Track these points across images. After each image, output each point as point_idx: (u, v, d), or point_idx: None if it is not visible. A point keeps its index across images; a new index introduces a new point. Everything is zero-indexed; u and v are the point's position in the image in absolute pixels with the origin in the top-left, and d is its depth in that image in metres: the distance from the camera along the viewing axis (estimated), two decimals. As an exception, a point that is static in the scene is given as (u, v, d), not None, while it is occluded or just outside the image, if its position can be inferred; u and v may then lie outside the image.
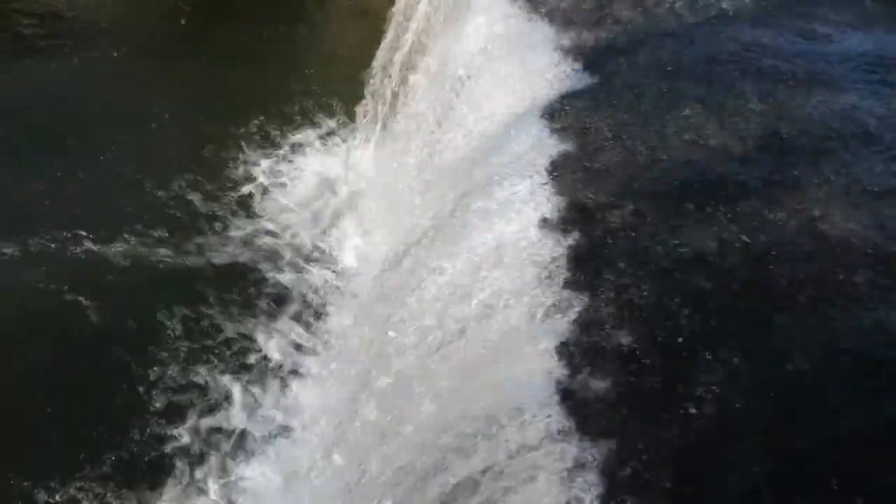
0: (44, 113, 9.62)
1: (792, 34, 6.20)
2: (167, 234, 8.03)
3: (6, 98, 9.91)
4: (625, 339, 3.40)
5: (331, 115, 10.25)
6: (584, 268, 3.75)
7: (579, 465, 3.03)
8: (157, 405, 6.25)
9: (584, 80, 5.33)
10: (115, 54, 11.42)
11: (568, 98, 5.10)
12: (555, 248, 3.85)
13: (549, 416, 3.20)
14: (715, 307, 3.53)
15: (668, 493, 2.82)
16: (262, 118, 10.12)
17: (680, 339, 3.37)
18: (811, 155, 4.53)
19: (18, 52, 11.10)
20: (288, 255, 8.19)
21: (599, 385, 3.27)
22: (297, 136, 9.91)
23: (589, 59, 5.56)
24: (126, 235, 8.01)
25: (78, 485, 5.67)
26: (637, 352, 3.32)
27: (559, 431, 3.14)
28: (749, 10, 6.63)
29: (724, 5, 6.66)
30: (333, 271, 8.05)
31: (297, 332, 7.29)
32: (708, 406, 3.12)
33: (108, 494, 5.64)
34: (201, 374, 6.67)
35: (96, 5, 12.53)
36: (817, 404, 3.12)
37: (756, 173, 4.37)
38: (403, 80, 8.89)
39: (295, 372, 6.84)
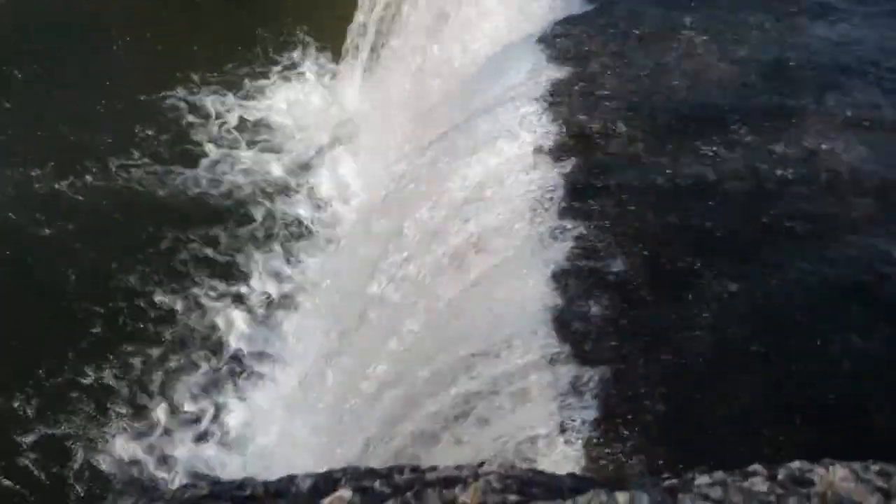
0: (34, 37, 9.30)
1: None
2: (150, 164, 7.88)
3: None
4: (621, 266, 3.38)
5: (317, 45, 9.95)
6: (581, 195, 3.70)
7: (572, 390, 3.04)
8: (142, 329, 6.25)
9: (582, 7, 5.17)
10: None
11: (565, 25, 4.94)
12: (551, 176, 3.78)
13: (543, 341, 3.20)
14: (712, 236, 3.51)
15: (660, 416, 2.85)
16: (247, 51, 9.80)
17: (676, 268, 3.36)
18: (813, 85, 4.46)
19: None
20: (274, 185, 8.08)
21: (594, 312, 3.26)
22: (283, 69, 9.63)
23: (589, -16, 5.39)
24: (109, 165, 7.85)
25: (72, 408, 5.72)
26: (633, 280, 3.31)
27: (553, 357, 3.14)
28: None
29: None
30: (320, 203, 7.97)
31: (283, 263, 7.25)
32: (702, 333, 3.13)
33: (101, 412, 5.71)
34: (186, 302, 6.63)
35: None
36: (810, 332, 3.14)
37: (757, 103, 4.30)
38: (393, 8, 8.62)
39: (283, 301, 6.83)
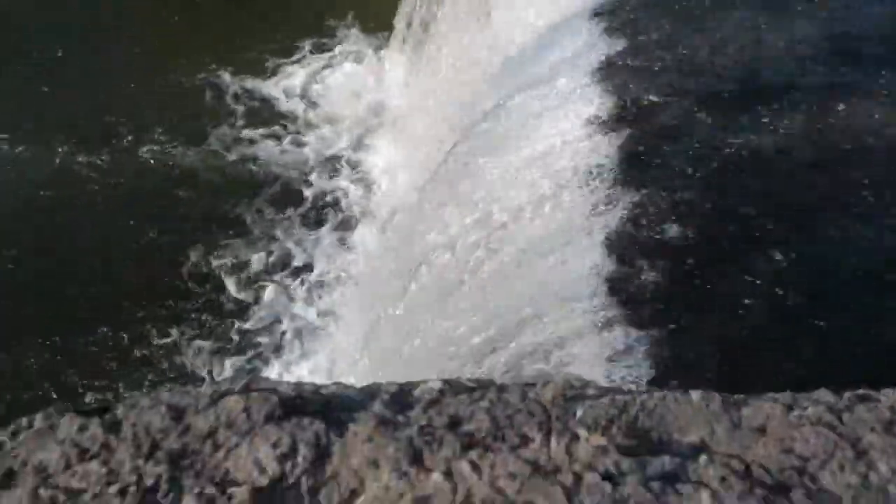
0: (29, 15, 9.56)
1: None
2: (199, 138, 8.09)
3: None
4: (674, 234, 3.41)
5: (364, 24, 10.05)
6: (634, 165, 3.73)
7: (624, 352, 3.09)
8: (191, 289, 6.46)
9: (637, -20, 5.15)
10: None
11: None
12: (604, 146, 3.82)
13: (596, 305, 3.25)
14: (767, 205, 3.51)
15: (710, 380, 2.88)
16: (295, 31, 9.96)
17: (730, 236, 3.38)
18: (872, 59, 4.40)
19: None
20: (321, 162, 8.22)
21: (647, 278, 3.30)
22: (329, 50, 9.76)
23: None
24: (159, 138, 8.07)
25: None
26: (686, 247, 3.34)
27: (606, 320, 3.19)
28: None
29: None
30: (367, 178, 8.07)
31: (330, 240, 7.38)
32: (755, 300, 3.15)
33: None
34: (235, 277, 6.81)
35: None
36: (866, 301, 3.14)
37: (814, 76, 4.26)
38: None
39: (330, 276, 6.97)
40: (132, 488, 0.87)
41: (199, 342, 6.24)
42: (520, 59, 5.38)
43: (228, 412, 0.95)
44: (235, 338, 6.32)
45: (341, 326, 6.24)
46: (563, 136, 3.98)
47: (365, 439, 0.95)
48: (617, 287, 3.26)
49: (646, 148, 3.77)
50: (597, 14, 4.95)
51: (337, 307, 6.60)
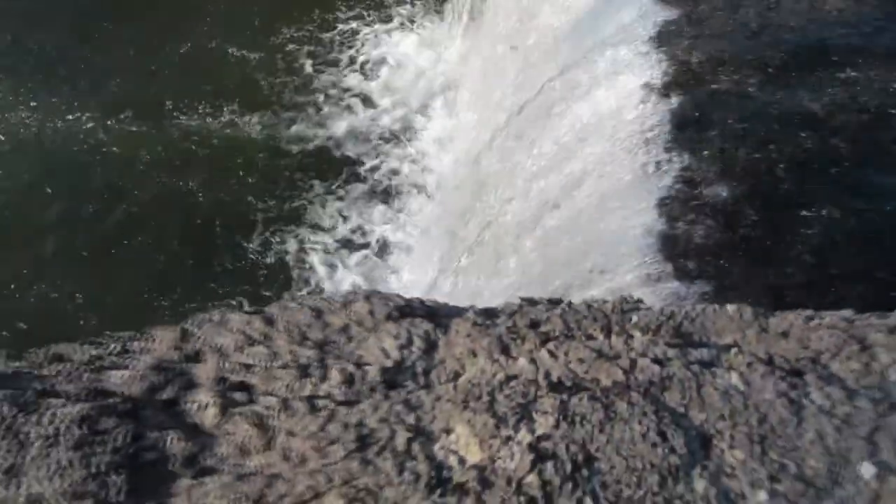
0: None
1: None
2: (261, 112, 8.40)
3: None
4: (725, 193, 3.57)
5: (416, 3, 10.20)
6: (688, 129, 3.89)
7: (674, 300, 3.29)
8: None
9: (694, -54, 5.22)
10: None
11: (676, -37, 5.03)
12: (659, 110, 3.98)
13: (647, 260, 3.45)
14: (818, 166, 3.64)
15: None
16: (352, 6, 10.15)
17: (780, 195, 3.53)
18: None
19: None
20: (380, 136, 8.47)
21: (698, 235, 3.48)
22: (386, 24, 9.95)
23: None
24: (223, 111, 8.39)
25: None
26: (737, 206, 3.50)
27: (657, 275, 3.39)
28: None
29: None
30: (428, 149, 8.27)
31: (390, 208, 7.64)
32: (804, 256, 3.31)
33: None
34: (297, 244, 7.15)
35: None
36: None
37: (873, 40, 4.31)
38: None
39: (393, 242, 7.25)
40: (290, 364, 1.15)
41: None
42: (576, 27, 5.52)
43: (357, 312, 1.22)
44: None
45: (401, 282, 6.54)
46: (619, 100, 4.15)
47: (464, 335, 1.22)
48: (669, 244, 3.45)
49: (699, 112, 3.91)
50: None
51: (396, 266, 6.90)
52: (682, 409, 1.05)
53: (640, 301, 1.34)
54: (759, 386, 1.06)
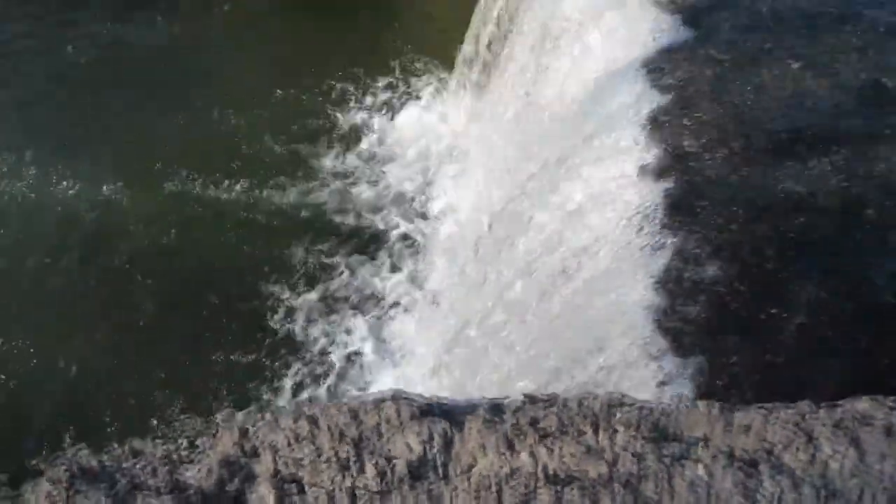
0: (159, 62, 10.60)
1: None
2: (270, 177, 8.77)
3: (128, 48, 10.91)
4: (717, 272, 3.82)
5: (428, 68, 10.72)
6: (681, 210, 4.16)
7: (671, 379, 3.50)
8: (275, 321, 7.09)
9: (684, 35, 5.59)
10: (224, 8, 12.22)
11: (669, 53, 5.39)
12: (653, 192, 4.26)
13: (645, 337, 3.68)
14: (804, 246, 3.90)
15: (749, 398, 3.26)
16: (361, 72, 10.65)
17: (769, 274, 3.77)
18: (904, 104, 4.73)
19: (135, 3, 12.09)
20: (385, 201, 8.78)
21: (692, 312, 3.72)
22: (394, 89, 10.43)
23: (689, 13, 5.81)
24: (233, 178, 8.77)
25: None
26: (728, 283, 3.75)
27: (654, 351, 3.61)
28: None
29: (827, -46, 6.71)
30: (432, 216, 8.57)
31: (395, 272, 7.90)
32: (792, 331, 3.53)
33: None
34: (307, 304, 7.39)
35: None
36: (888, 326, 3.47)
37: (853, 124, 4.62)
38: (500, 34, 9.23)
39: (400, 306, 7.48)
40: (333, 459, 1.39)
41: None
42: (575, 108, 5.87)
43: (386, 412, 1.47)
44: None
45: (409, 358, 6.75)
46: (617, 182, 4.44)
47: (476, 431, 1.45)
48: (665, 321, 3.68)
49: (691, 193, 4.19)
50: (647, 66, 5.40)
51: (405, 337, 7.12)
52: (656, 498, 1.28)
53: (625, 396, 1.58)
54: (720, 477, 1.29)
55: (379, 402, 1.47)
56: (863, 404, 1.50)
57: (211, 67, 10.69)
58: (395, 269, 8.06)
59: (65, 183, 8.72)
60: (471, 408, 1.57)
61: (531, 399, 1.54)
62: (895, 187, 4.23)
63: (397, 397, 1.51)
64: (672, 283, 3.84)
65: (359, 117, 10.10)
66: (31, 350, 7.03)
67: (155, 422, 6.27)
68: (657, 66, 5.33)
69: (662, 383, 3.50)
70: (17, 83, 10.27)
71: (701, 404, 1.46)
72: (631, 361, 3.63)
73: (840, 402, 1.53)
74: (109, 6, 11.93)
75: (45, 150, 9.09)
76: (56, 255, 7.95)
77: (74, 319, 7.29)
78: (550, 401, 1.57)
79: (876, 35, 5.36)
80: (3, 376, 6.83)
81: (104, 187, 8.65)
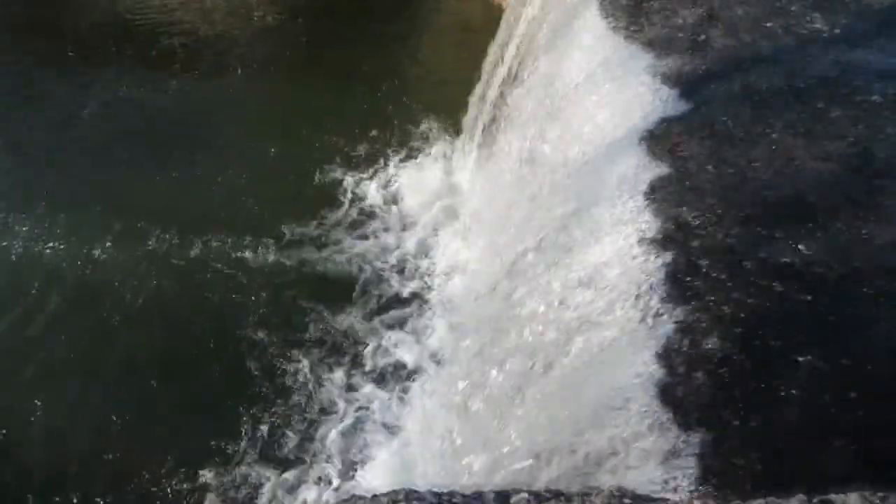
0: (166, 124, 10.91)
1: (887, 54, 6.45)
2: (274, 240, 8.92)
3: (143, 108, 11.25)
4: (718, 344, 3.88)
5: (432, 132, 10.99)
6: (681, 281, 4.24)
7: (675, 453, 3.53)
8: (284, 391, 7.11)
9: (680, 106, 5.78)
10: (238, 72, 12.62)
11: (665, 123, 5.56)
12: (654, 264, 4.35)
13: (649, 410, 3.72)
14: (802, 316, 3.96)
15: (755, 475, 3.29)
16: (366, 133, 10.92)
17: (769, 344, 3.83)
18: (898, 175, 4.86)
19: (153, 65, 12.48)
20: (390, 264, 8.90)
21: (694, 385, 3.76)
22: (399, 151, 10.68)
23: (685, 85, 6.00)
24: (237, 241, 8.92)
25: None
26: (730, 355, 3.80)
27: (658, 424, 3.65)
28: (843, 30, 6.90)
29: (818, 25, 6.95)
30: (433, 285, 8.66)
31: (401, 338, 7.96)
32: (793, 403, 3.57)
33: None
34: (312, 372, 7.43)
35: (230, 32, 13.86)
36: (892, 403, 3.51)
37: (844, 194, 4.74)
38: (504, 100, 9.49)
39: (402, 372, 7.52)
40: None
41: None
42: (575, 176, 6.02)
43: (397, 512, 1.52)
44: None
45: (416, 421, 6.75)
46: (617, 254, 4.54)
47: (483, 531, 1.51)
48: (668, 393, 3.72)
49: (691, 265, 4.28)
50: (645, 136, 5.57)
51: (409, 400, 7.13)
52: None
53: (624, 493, 1.64)
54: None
55: (393, 500, 1.53)
56: (852, 499, 1.55)
57: (218, 129, 10.98)
58: (396, 328, 8.13)
59: (53, 241, 8.87)
60: (478, 500, 1.63)
61: (535, 494, 1.60)
62: (889, 258, 4.32)
63: (409, 495, 1.57)
64: (673, 356, 3.89)
65: (363, 177, 10.30)
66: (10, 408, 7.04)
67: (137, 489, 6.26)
68: (655, 136, 5.49)
69: (666, 459, 3.53)
70: (19, 139, 10.57)
71: (697, 501, 1.51)
72: (633, 436, 3.66)
73: (831, 498, 1.58)
74: (128, 68, 12.33)
75: (38, 207, 9.28)
76: (40, 312, 8.05)
77: (61, 377, 7.35)
78: (553, 496, 1.63)
79: (867, 106, 5.53)
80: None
81: (93, 245, 8.81)
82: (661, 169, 5.14)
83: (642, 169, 5.21)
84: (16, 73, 11.94)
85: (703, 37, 6.63)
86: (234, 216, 9.19)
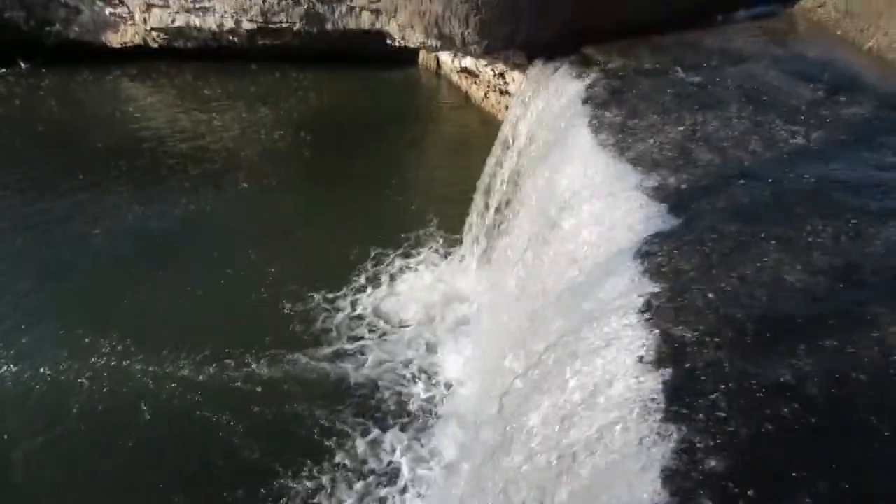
0: (172, 237, 11.26)
1: (865, 166, 6.75)
2: (280, 351, 9.04)
3: (149, 222, 11.63)
4: (719, 464, 3.92)
5: (433, 241, 11.28)
6: (680, 400, 4.32)
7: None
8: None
9: (669, 223, 6.00)
10: (244, 185, 13.09)
11: (656, 240, 5.77)
12: (652, 383, 4.44)
13: (653, 534, 3.73)
14: (799, 434, 4.02)
15: None
16: (368, 242, 11.21)
17: (769, 464, 3.87)
18: (886, 289, 5.01)
19: (162, 181, 12.97)
20: (393, 373, 8.97)
21: (698, 506, 3.79)
22: (401, 260, 10.93)
23: (673, 201, 6.26)
24: (241, 352, 9.04)
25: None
26: (731, 476, 3.84)
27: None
28: (823, 144, 7.24)
29: (798, 140, 7.30)
30: (436, 393, 8.71)
31: (406, 448, 7.94)
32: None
33: None
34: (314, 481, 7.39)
35: (235, 144, 14.47)
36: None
37: (833, 308, 4.88)
38: (502, 211, 9.81)
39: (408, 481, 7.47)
40: None
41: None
42: (571, 292, 6.18)
43: None
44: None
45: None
46: (614, 372, 4.64)
47: None
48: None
49: (686, 384, 4.37)
50: (637, 253, 5.75)
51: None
52: None
53: None
54: None
55: None
56: None
57: (220, 243, 11.29)
58: (399, 440, 8.12)
59: (56, 359, 8.98)
60: None
61: None
62: (878, 372, 4.41)
63: None
64: (676, 477, 3.93)
65: (365, 289, 10.48)
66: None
67: None
68: (647, 253, 5.68)
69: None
70: (23, 260, 10.89)
71: None
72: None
73: None
74: (137, 188, 12.86)
75: (40, 324, 9.47)
76: (50, 431, 8.10)
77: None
78: None
79: (850, 220, 5.75)
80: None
81: (94, 360, 8.95)
82: (654, 287, 5.29)
83: (636, 285, 5.37)
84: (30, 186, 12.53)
85: (688, 154, 6.96)
86: (240, 329, 9.36)
